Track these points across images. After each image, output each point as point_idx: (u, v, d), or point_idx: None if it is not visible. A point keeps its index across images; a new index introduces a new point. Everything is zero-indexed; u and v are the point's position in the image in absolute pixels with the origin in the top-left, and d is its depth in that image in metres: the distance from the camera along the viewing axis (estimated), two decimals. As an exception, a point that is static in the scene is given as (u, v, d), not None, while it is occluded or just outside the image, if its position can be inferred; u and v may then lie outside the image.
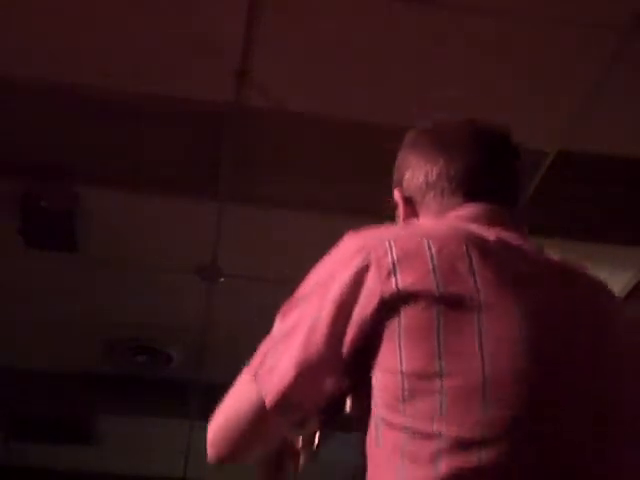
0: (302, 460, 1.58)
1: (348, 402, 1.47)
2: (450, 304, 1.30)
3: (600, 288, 1.48)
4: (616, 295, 1.52)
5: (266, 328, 1.50)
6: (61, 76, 3.28)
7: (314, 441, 1.55)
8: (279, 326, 1.43)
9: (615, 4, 2.91)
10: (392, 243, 1.35)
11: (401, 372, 1.30)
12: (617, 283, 4.34)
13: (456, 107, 3.20)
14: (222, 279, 4.36)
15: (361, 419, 1.38)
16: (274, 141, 3.56)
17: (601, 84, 3.20)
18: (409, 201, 1.56)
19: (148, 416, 5.90)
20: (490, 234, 1.41)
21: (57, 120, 3.49)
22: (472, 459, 1.25)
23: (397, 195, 1.59)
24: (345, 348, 1.35)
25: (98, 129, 3.52)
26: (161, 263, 4.36)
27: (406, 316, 1.31)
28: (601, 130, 3.44)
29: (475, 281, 1.32)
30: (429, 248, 1.34)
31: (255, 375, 1.41)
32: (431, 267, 1.32)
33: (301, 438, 1.56)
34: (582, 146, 3.51)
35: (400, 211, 1.58)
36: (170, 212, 3.99)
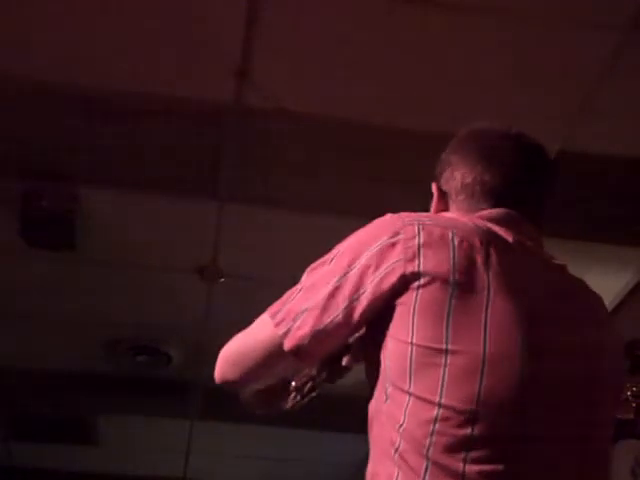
0: (291, 400, 1.76)
1: (345, 358, 1.66)
2: (463, 291, 1.44)
3: (598, 303, 1.67)
4: (607, 311, 1.70)
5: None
6: (61, 76, 3.28)
7: (306, 387, 1.74)
8: (306, 278, 1.58)
9: (615, 4, 2.91)
10: (421, 228, 1.50)
11: (411, 343, 1.45)
12: (617, 283, 4.34)
13: (456, 107, 3.20)
14: (222, 279, 4.36)
15: (371, 379, 1.53)
16: (274, 141, 3.56)
17: (601, 84, 3.20)
18: (443, 196, 1.71)
19: (148, 416, 5.90)
20: (509, 236, 1.55)
21: (57, 120, 3.49)
22: (465, 430, 1.40)
23: (434, 188, 1.73)
24: (361, 312, 1.49)
25: (98, 129, 3.52)
26: (161, 263, 4.37)
27: (422, 295, 1.45)
28: (601, 130, 3.44)
29: (488, 274, 1.46)
30: (452, 239, 1.48)
31: (275, 317, 1.56)
32: (451, 255, 1.46)
33: (295, 382, 1.74)
34: (582, 146, 3.51)
35: (434, 202, 1.72)
36: (170, 212, 3.99)
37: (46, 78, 3.29)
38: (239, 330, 1.67)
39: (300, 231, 3.89)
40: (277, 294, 1.66)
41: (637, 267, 4.20)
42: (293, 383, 1.74)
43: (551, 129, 3.44)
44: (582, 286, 1.67)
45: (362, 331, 1.60)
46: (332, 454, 5.80)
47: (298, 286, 1.58)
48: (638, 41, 3.01)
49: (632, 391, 2.39)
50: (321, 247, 1.66)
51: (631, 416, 2.41)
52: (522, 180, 1.69)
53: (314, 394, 1.76)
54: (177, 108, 3.41)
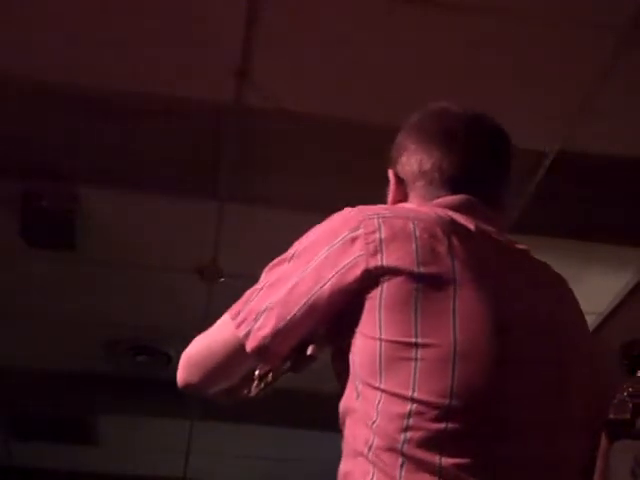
0: (254, 387, 1.72)
1: (310, 347, 1.60)
2: (428, 281, 1.42)
3: (562, 285, 1.64)
4: (574, 294, 1.65)
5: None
6: (61, 76, 3.28)
7: (268, 376, 1.70)
8: (265, 277, 1.56)
9: (615, 4, 2.91)
10: (382, 221, 1.47)
11: (380, 339, 1.42)
12: (617, 283, 4.34)
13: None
14: (222, 279, 4.36)
15: (341, 377, 1.50)
16: (274, 141, 3.56)
17: (601, 84, 3.20)
18: (401, 182, 1.67)
19: (148, 416, 5.90)
20: (470, 223, 1.52)
21: (57, 120, 3.49)
22: (439, 425, 1.38)
23: (391, 174, 1.69)
24: (321, 306, 1.47)
25: (98, 129, 3.52)
26: (161, 263, 4.36)
27: (387, 289, 1.42)
28: (601, 130, 3.44)
29: (453, 263, 1.44)
30: (414, 230, 1.46)
31: (236, 318, 1.54)
32: (414, 247, 1.44)
33: (259, 370, 1.69)
34: (582, 146, 3.51)
35: (391, 189, 1.69)
36: (170, 212, 3.99)
37: (46, 78, 3.29)
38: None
39: (300, 231, 3.89)
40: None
41: (637, 267, 4.20)
42: (257, 372, 1.71)
43: (551, 129, 3.44)
44: (546, 269, 1.62)
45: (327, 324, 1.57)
46: (332, 454, 5.79)
47: (258, 285, 1.56)
48: (638, 41, 3.01)
49: (629, 391, 2.39)
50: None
51: (628, 416, 2.42)
52: (482, 165, 1.65)
53: (275, 382, 1.73)
54: (177, 108, 3.41)
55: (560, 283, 1.64)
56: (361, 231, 1.47)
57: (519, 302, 1.48)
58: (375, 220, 1.48)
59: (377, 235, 1.45)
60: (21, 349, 5.14)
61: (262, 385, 1.73)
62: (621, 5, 2.91)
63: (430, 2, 2.96)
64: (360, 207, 1.54)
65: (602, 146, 3.51)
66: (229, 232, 4.08)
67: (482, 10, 2.97)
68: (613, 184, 3.71)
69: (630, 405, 2.44)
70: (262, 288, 1.54)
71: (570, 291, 1.64)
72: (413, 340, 1.40)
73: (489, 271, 1.47)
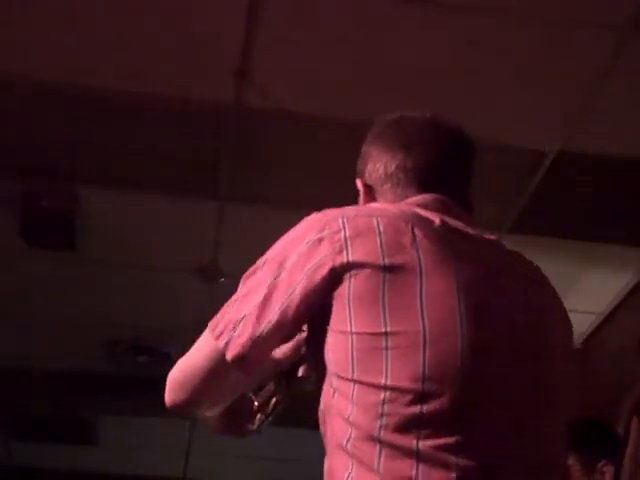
0: (258, 419, 1.76)
1: (301, 369, 1.68)
2: (394, 272, 1.45)
3: (534, 270, 1.65)
4: (549, 282, 1.66)
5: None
6: (61, 76, 3.28)
7: (270, 404, 1.75)
8: (240, 289, 1.59)
9: (615, 4, 2.91)
10: (345, 221, 1.51)
11: (351, 333, 1.45)
12: (617, 283, 4.34)
13: (456, 107, 3.20)
14: (222, 279, 4.36)
15: (319, 377, 1.53)
16: (274, 141, 3.56)
17: (601, 84, 3.20)
18: (369, 190, 1.71)
19: (148, 416, 5.90)
20: (435, 218, 1.55)
21: (57, 120, 3.49)
22: (414, 409, 1.40)
23: (359, 184, 1.74)
24: (294, 309, 1.50)
25: (98, 129, 3.52)
26: (161, 263, 4.37)
27: (355, 283, 1.46)
28: (601, 130, 3.44)
29: (418, 253, 1.47)
30: (377, 225, 1.50)
31: (215, 330, 1.57)
32: (379, 241, 1.48)
33: (258, 401, 1.75)
34: (582, 146, 3.51)
35: (361, 198, 1.73)
36: (170, 212, 3.99)
37: (46, 78, 3.29)
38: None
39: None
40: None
41: (637, 267, 4.20)
42: (256, 403, 1.74)
43: (551, 129, 3.44)
44: (517, 257, 1.65)
45: (304, 334, 1.61)
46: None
47: (234, 297, 1.59)
48: (638, 41, 3.01)
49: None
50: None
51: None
52: (444, 163, 1.68)
53: (280, 408, 1.76)
54: (177, 108, 3.41)
55: (533, 271, 1.65)
56: (326, 232, 1.50)
57: (489, 289, 1.51)
58: (340, 220, 1.51)
59: (342, 234, 1.49)
60: (21, 349, 5.14)
61: (263, 417, 1.76)
62: (621, 5, 2.91)
63: (430, 2, 2.96)
64: (325, 210, 1.57)
65: (602, 146, 3.51)
66: (229, 232, 4.08)
67: (482, 10, 2.97)
68: (613, 184, 3.71)
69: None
70: (237, 299, 1.58)
71: (547, 280, 1.66)
72: (383, 330, 1.43)
73: (455, 260, 1.49)
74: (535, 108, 3.33)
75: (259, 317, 1.52)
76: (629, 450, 2.81)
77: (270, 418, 1.77)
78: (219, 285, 4.40)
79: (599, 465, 3.07)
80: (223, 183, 3.80)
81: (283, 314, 1.50)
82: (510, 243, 1.67)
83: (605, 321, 4.52)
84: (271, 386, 1.75)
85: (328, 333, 1.49)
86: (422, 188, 1.65)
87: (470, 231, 1.59)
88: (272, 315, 1.51)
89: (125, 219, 4.06)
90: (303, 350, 1.66)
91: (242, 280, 1.60)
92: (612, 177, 3.67)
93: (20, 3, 3.03)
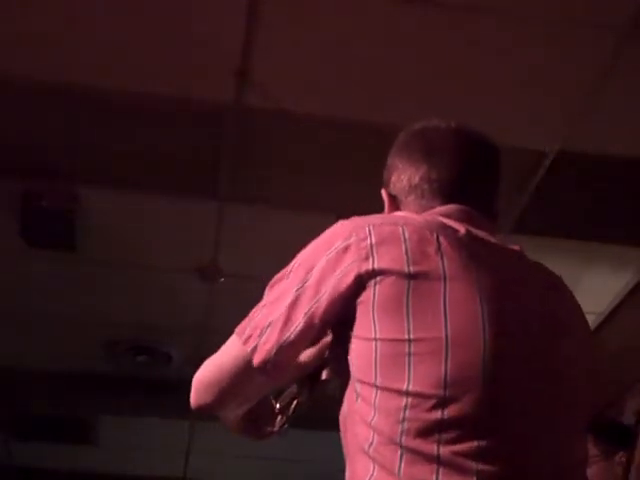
0: (279, 422, 1.78)
1: (324, 372, 1.70)
2: (419, 279, 1.48)
3: (557, 281, 1.68)
4: (570, 292, 1.69)
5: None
6: (61, 76, 3.28)
7: (291, 406, 1.76)
8: (268, 294, 1.61)
9: (615, 4, 2.91)
10: (372, 228, 1.54)
11: (375, 339, 1.47)
12: (617, 283, 4.34)
13: (456, 107, 3.20)
14: (222, 279, 4.36)
15: (343, 382, 1.56)
16: (274, 141, 3.56)
17: (601, 84, 3.20)
18: (394, 200, 1.73)
19: (148, 416, 5.90)
20: (460, 227, 1.57)
21: (57, 120, 3.49)
22: (436, 414, 1.42)
23: (384, 194, 1.76)
24: (320, 315, 1.53)
25: (98, 129, 3.52)
26: (161, 263, 4.37)
27: (380, 290, 1.48)
28: (601, 130, 3.44)
29: (442, 261, 1.50)
30: (403, 233, 1.52)
31: (242, 335, 1.59)
32: (404, 249, 1.50)
33: (280, 404, 1.77)
34: (582, 146, 3.51)
35: (386, 208, 1.75)
36: (170, 212, 3.99)
37: (46, 78, 3.29)
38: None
39: (300, 231, 3.88)
40: (277, 294, 1.65)
41: (637, 267, 4.20)
42: (277, 405, 1.76)
43: (551, 129, 3.44)
44: (540, 268, 1.67)
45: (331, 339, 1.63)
46: (332, 454, 5.79)
47: (262, 303, 1.61)
48: (638, 41, 3.01)
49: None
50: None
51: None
52: (468, 174, 1.70)
53: (301, 411, 1.77)
54: (177, 108, 3.41)
55: (556, 282, 1.67)
56: (353, 239, 1.53)
57: (506, 297, 1.52)
58: (366, 228, 1.54)
59: (368, 241, 1.52)
60: (21, 349, 5.14)
61: (284, 419, 1.77)
62: (621, 5, 2.91)
63: (430, 2, 2.96)
64: (352, 218, 1.60)
65: (602, 146, 3.51)
66: (229, 232, 4.08)
67: (482, 10, 2.97)
68: (613, 184, 3.71)
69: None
70: (265, 305, 1.60)
71: (567, 289, 1.68)
72: (406, 337, 1.45)
73: (478, 269, 1.51)
74: (535, 108, 3.33)
75: (286, 323, 1.54)
76: (637, 457, 2.84)
77: (289, 421, 1.78)
78: (219, 285, 4.40)
79: (617, 457, 3.10)
80: (223, 183, 3.80)
81: (309, 320, 1.53)
82: (510, 243, 1.68)
83: (605, 321, 4.52)
84: (293, 389, 1.77)
85: (352, 340, 1.52)
86: (446, 199, 1.67)
87: (492, 240, 1.61)
88: (298, 321, 1.54)
89: (125, 219, 4.06)
90: (327, 353, 1.68)
91: (269, 286, 1.62)
92: (612, 177, 3.67)
93: (20, 3, 3.03)
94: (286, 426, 1.78)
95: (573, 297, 1.68)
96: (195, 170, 3.74)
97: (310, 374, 1.71)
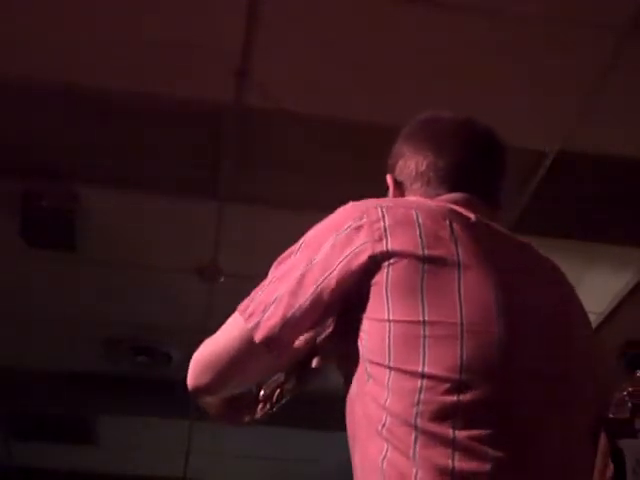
0: (260, 409, 1.73)
1: (314, 360, 1.64)
2: (433, 263, 1.47)
3: (562, 275, 1.69)
4: (573, 288, 1.69)
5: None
6: (61, 76, 3.28)
7: (275, 394, 1.71)
8: (273, 271, 1.59)
9: (615, 4, 2.91)
10: (385, 210, 1.53)
11: (388, 320, 1.46)
12: (617, 283, 4.34)
13: (456, 107, 3.20)
14: (222, 279, 4.36)
15: (350, 365, 1.52)
16: (274, 141, 3.57)
17: (601, 84, 3.21)
18: (399, 186, 1.73)
19: (148, 416, 5.90)
20: (470, 214, 1.58)
21: (57, 120, 3.49)
22: (451, 398, 1.41)
23: (389, 179, 1.75)
24: (329, 293, 1.51)
25: (98, 129, 3.52)
26: (161, 263, 4.37)
27: (394, 271, 1.47)
28: (601, 130, 3.44)
29: (456, 247, 1.49)
30: (417, 217, 1.52)
31: (245, 312, 1.55)
32: (418, 233, 1.49)
33: (264, 391, 1.72)
34: (582, 146, 3.51)
35: (390, 194, 1.74)
36: (170, 212, 3.99)
37: (46, 78, 3.29)
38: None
39: (300, 231, 3.89)
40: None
41: (637, 267, 4.20)
42: (262, 392, 1.72)
43: (551, 129, 3.44)
44: (546, 260, 1.68)
45: (330, 329, 1.61)
46: (332, 454, 5.81)
47: (266, 280, 1.59)
48: (638, 41, 3.01)
49: (628, 391, 2.40)
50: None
51: (627, 415, 2.44)
52: (477, 164, 1.71)
53: (283, 402, 1.74)
54: (177, 108, 3.41)
55: (561, 278, 1.68)
56: (365, 220, 1.51)
57: (522, 289, 1.53)
58: (379, 209, 1.53)
59: (381, 223, 1.50)
60: (21, 349, 5.14)
61: (268, 406, 1.73)
62: (621, 5, 2.91)
63: (430, 2, 2.96)
64: (364, 200, 1.58)
65: (602, 146, 3.51)
66: (229, 232, 4.08)
67: (482, 10, 2.97)
68: (613, 184, 3.71)
69: (630, 405, 2.46)
70: (270, 282, 1.57)
71: (570, 284, 1.69)
72: (421, 318, 1.44)
73: (491, 257, 1.51)
74: (535, 108, 3.33)
75: (291, 300, 1.52)
76: (598, 463, 2.85)
77: (274, 409, 1.74)
78: (219, 285, 4.40)
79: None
80: (223, 183, 3.80)
81: (317, 298, 1.51)
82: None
83: (605, 321, 4.52)
84: (280, 377, 1.72)
85: (363, 321, 1.49)
86: (452, 187, 1.67)
87: (501, 229, 1.62)
88: (304, 298, 1.52)
89: (125, 219, 4.06)
90: (319, 340, 1.64)
91: (275, 263, 1.60)
92: (612, 177, 3.67)
93: (20, 3, 3.03)
94: (268, 414, 1.74)
95: (575, 292, 1.68)
96: (195, 170, 3.73)
97: (300, 361, 1.65)
